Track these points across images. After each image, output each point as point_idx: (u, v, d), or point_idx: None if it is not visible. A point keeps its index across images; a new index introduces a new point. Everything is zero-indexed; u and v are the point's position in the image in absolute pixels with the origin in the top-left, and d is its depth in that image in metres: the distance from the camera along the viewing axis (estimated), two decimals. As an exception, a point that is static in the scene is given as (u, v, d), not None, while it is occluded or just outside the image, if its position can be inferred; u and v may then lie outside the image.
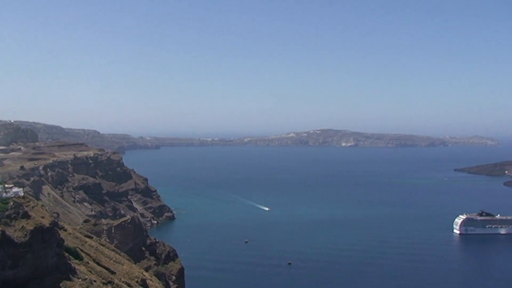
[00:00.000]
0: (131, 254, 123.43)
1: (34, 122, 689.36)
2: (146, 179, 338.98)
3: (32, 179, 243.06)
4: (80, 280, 72.43)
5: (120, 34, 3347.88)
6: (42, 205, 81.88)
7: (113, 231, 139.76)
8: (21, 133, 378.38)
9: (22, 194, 77.19)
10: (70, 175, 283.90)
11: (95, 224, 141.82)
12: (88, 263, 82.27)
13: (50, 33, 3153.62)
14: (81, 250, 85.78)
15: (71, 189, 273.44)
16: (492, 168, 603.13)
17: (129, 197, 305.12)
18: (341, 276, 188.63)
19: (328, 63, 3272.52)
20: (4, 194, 72.59)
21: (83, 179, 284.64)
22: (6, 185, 79.06)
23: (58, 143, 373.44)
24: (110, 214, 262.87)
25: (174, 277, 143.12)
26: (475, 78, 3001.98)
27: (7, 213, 68.12)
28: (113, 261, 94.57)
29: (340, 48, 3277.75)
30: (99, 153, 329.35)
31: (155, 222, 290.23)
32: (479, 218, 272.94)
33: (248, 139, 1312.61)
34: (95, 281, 75.30)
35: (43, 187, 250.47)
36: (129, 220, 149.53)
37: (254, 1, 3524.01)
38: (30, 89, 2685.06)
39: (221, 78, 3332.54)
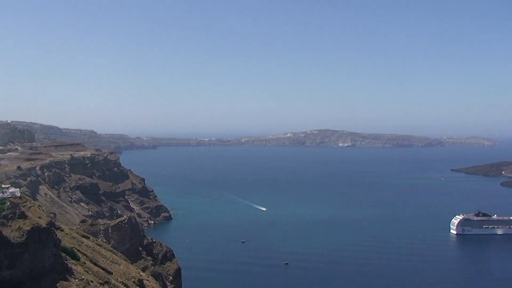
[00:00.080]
0: (128, 254, 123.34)
1: (31, 122, 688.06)
2: (143, 179, 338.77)
3: (29, 179, 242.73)
4: (77, 280, 72.35)
5: (117, 34, 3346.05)
6: (39, 205, 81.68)
7: (110, 231, 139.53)
8: (18, 133, 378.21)
9: (19, 194, 77.00)
10: (67, 175, 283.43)
11: (92, 224, 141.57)
12: (85, 263, 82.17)
13: (47, 33, 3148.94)
14: (78, 251, 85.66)
15: (68, 189, 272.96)
16: (489, 169, 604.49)
17: (126, 197, 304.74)
18: (338, 276, 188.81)
19: (326, 63, 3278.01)
20: (0, 194, 72.41)
21: (80, 179, 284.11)
22: (3, 185, 78.84)
23: (55, 143, 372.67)
24: (107, 214, 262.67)
25: (171, 277, 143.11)
26: (472, 78, 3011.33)
27: (3, 213, 68.00)
28: (110, 261, 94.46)
29: (338, 48, 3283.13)
30: (96, 153, 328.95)
31: (152, 222, 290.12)
32: (475, 218, 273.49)
33: (245, 139, 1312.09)
34: (92, 281, 75.24)
35: (40, 187, 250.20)
36: (126, 220, 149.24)
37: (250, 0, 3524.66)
38: (27, 89, 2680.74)
39: (218, 78, 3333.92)
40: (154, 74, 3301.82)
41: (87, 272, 78.80)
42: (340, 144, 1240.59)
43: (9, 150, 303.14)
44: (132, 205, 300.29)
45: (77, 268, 76.99)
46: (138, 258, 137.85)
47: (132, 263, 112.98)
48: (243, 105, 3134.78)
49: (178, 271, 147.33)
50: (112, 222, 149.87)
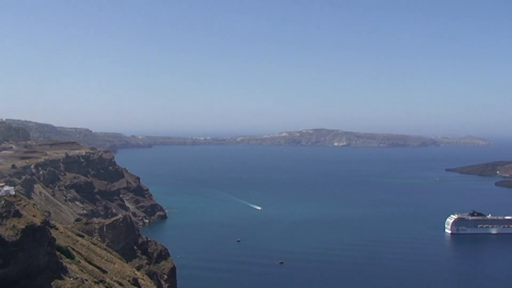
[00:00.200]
0: (122, 253, 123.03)
1: (25, 121, 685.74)
2: (138, 178, 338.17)
3: (23, 177, 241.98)
4: (71, 279, 72.08)
5: (113, 34, 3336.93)
6: (34, 204, 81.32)
7: (104, 230, 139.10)
8: (13, 132, 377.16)
9: (14, 192, 76.66)
10: (62, 173, 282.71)
11: (86, 223, 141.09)
12: (79, 262, 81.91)
13: (42, 32, 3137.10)
14: (73, 249, 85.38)
15: (63, 187, 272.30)
16: (484, 168, 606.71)
17: (121, 196, 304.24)
18: (333, 276, 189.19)
19: (322, 63, 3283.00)
20: (-5, 193, 72.15)
21: (74, 177, 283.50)
22: (-3, 184, 78.66)
23: (50, 141, 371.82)
24: (102, 213, 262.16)
25: (166, 276, 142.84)
26: (468, 78, 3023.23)
27: (-2, 211, 67.71)
28: (105, 260, 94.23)
29: (334, 48, 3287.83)
30: (91, 151, 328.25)
31: (147, 221, 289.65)
32: (470, 218, 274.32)
33: (241, 138, 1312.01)
34: (86, 280, 75.00)
35: (35, 185, 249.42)
36: (121, 219, 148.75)
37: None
38: (22, 87, 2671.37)
39: (214, 77, 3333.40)
40: (150, 73, 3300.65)
41: (82, 270, 78.56)
42: (336, 144, 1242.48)
43: (4, 149, 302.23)
44: (127, 204, 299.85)
45: (71, 266, 76.74)
46: (133, 257, 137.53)
47: (127, 262, 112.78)
48: (238, 104, 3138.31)
49: (173, 270, 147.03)
50: (107, 221, 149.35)
